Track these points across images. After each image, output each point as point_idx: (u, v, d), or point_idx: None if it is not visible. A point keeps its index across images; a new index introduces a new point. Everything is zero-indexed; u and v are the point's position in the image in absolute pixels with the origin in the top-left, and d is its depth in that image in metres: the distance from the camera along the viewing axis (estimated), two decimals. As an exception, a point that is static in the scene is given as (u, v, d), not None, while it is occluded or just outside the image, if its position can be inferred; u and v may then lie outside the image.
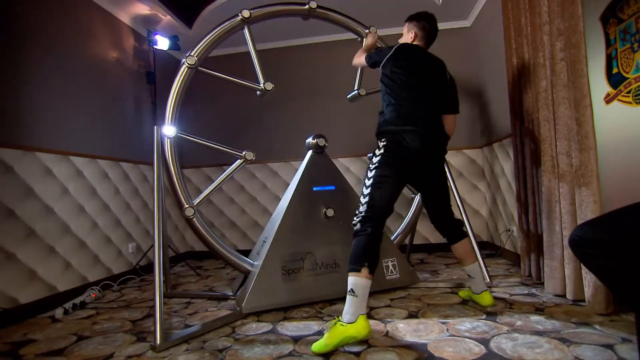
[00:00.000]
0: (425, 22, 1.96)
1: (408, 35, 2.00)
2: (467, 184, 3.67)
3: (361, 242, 1.59)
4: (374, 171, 1.74)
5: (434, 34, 1.99)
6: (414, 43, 1.97)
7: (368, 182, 1.74)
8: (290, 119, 3.97)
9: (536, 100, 2.14)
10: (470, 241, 2.00)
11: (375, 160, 1.78)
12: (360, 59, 2.10)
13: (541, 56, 2.05)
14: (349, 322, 1.47)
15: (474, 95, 3.71)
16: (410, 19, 2.00)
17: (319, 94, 3.90)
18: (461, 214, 2.55)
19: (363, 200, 1.71)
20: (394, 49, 1.88)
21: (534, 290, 2.14)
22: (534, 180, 2.25)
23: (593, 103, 1.77)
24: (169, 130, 2.10)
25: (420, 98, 1.82)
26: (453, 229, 2.00)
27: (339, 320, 1.50)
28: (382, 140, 1.80)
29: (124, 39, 3.28)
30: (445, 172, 2.01)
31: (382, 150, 1.77)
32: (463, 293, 2.09)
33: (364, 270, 1.51)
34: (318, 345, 1.48)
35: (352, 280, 1.51)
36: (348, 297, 1.51)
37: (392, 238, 2.62)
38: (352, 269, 1.53)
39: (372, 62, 1.97)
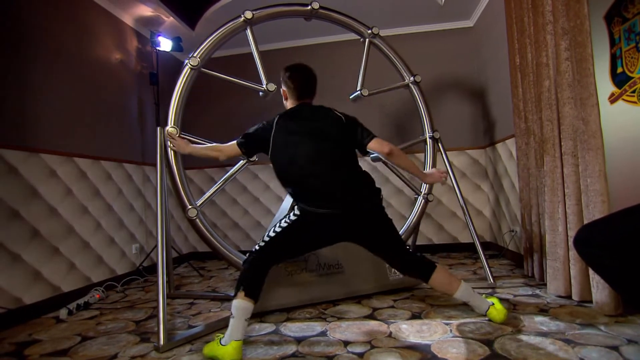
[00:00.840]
0: (289, 72, 1.75)
1: (284, 96, 1.82)
2: (470, 184, 3.66)
3: (242, 270, 1.62)
4: (284, 226, 1.65)
5: (306, 81, 1.76)
6: (288, 104, 1.80)
7: (276, 229, 1.66)
8: (292, 119, 3.96)
9: (539, 100, 2.13)
10: (444, 268, 1.76)
11: (290, 218, 1.66)
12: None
13: (544, 55, 2.04)
14: (224, 344, 1.48)
15: (477, 95, 3.70)
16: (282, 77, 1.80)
17: (322, 94, 3.86)
18: (464, 214, 2.54)
19: (264, 238, 1.66)
20: (274, 120, 1.71)
21: (537, 291, 2.13)
22: (537, 181, 2.24)
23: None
24: (172, 131, 2.10)
25: (317, 167, 1.61)
26: (420, 266, 1.74)
27: (220, 338, 1.52)
28: (297, 211, 1.66)
29: (127, 40, 3.29)
30: (387, 223, 1.74)
31: (294, 218, 1.65)
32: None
33: (240, 294, 1.52)
34: (205, 348, 1.55)
35: (233, 303, 1.53)
36: (230, 320, 1.52)
37: (395, 239, 2.61)
38: (234, 294, 1.56)
39: (246, 148, 1.74)
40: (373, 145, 1.70)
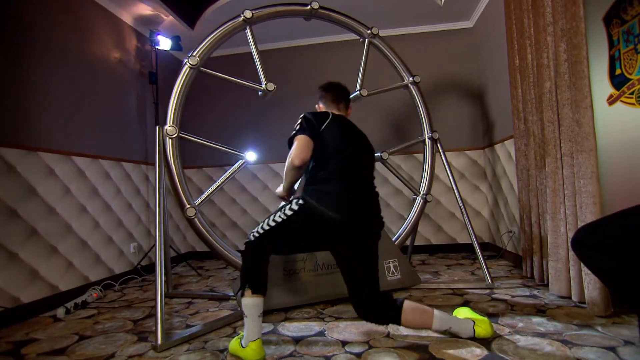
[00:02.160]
0: (322, 91, 1.82)
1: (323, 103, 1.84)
2: (469, 185, 3.66)
3: (242, 265, 1.59)
4: (280, 218, 1.54)
5: (340, 93, 1.81)
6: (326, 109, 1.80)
7: (272, 218, 1.56)
8: (292, 119, 3.93)
9: (540, 101, 2.14)
10: (412, 302, 1.53)
11: (287, 210, 1.54)
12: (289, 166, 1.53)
13: (545, 57, 2.05)
14: (244, 346, 1.47)
15: (476, 96, 3.70)
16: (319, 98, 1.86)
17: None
18: (462, 215, 2.55)
19: (260, 227, 1.58)
20: (330, 115, 1.67)
21: (535, 292, 2.13)
22: (537, 182, 2.24)
23: (596, 104, 1.76)
24: (170, 130, 2.10)
25: (353, 169, 1.58)
26: (388, 305, 1.50)
27: (241, 337, 1.52)
28: (301, 201, 1.54)
29: (126, 39, 3.28)
30: (376, 249, 1.58)
31: (297, 209, 1.53)
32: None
33: (247, 292, 1.51)
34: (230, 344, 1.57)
35: (242, 302, 1.52)
36: (244, 319, 1.51)
37: (393, 239, 2.61)
38: (240, 292, 1.54)
39: (307, 132, 1.55)
40: None
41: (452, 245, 3.66)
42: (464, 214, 2.55)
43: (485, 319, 1.57)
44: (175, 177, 2.10)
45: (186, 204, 2.08)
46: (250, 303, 1.50)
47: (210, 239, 2.14)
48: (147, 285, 2.83)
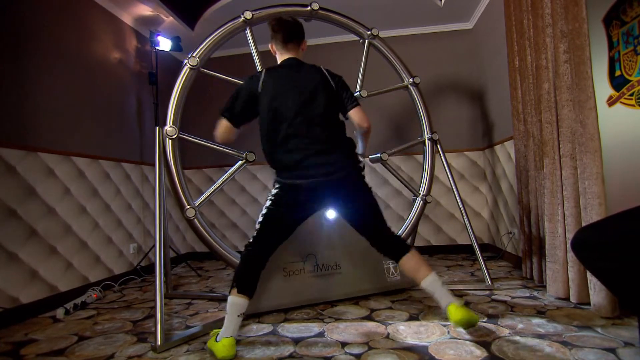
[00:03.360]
0: (272, 30, 1.73)
1: (273, 51, 1.80)
2: (469, 186, 3.66)
3: (238, 264, 1.63)
4: (268, 203, 1.64)
5: (287, 29, 1.72)
6: (277, 57, 1.77)
7: (263, 211, 1.64)
8: (291, 120, 3.96)
9: (538, 102, 2.14)
10: (418, 254, 1.67)
11: (272, 192, 1.65)
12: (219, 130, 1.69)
13: (544, 58, 2.05)
14: (217, 341, 1.50)
15: (476, 96, 3.70)
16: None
17: (321, 95, 3.89)
18: (462, 216, 2.55)
19: (256, 226, 1.66)
20: (247, 82, 1.67)
21: (535, 293, 2.13)
22: (536, 183, 2.24)
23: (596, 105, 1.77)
24: (170, 131, 2.10)
25: (299, 127, 1.57)
26: (393, 244, 1.68)
27: (217, 334, 1.55)
28: (275, 179, 1.66)
29: (126, 40, 3.28)
30: (366, 189, 1.68)
31: (277, 187, 1.64)
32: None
33: (233, 290, 1.54)
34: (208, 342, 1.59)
35: (228, 298, 1.55)
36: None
37: (393, 240, 2.61)
38: (229, 289, 1.57)
39: (233, 112, 1.66)
40: (354, 114, 1.71)
41: (451, 246, 3.66)
42: (464, 215, 2.55)
43: (465, 312, 1.49)
44: (175, 178, 2.10)
45: (186, 204, 2.08)
46: (233, 301, 1.53)
47: (210, 239, 2.14)
48: (146, 286, 2.83)
